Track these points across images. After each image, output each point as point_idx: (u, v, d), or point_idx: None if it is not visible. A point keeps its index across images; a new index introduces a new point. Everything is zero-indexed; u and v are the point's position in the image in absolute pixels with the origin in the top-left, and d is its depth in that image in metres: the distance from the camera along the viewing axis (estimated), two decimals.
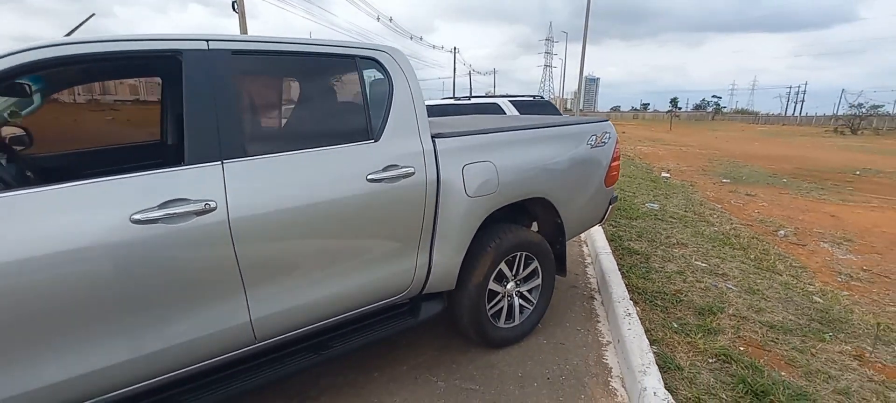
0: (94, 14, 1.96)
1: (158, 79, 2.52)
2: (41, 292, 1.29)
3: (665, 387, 1.97)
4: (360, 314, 2.04)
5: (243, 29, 16.50)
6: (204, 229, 1.50)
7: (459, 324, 2.43)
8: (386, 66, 2.01)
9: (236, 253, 1.58)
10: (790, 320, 2.86)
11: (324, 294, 1.83)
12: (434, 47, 53.83)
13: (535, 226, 2.94)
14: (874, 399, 2.09)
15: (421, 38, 48.26)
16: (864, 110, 36.63)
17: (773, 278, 3.62)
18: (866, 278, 3.82)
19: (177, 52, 1.56)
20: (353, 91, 1.99)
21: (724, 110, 73.02)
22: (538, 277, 2.65)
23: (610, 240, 4.30)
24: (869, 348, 2.53)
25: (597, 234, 4.35)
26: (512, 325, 2.60)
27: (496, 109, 6.88)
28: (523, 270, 2.58)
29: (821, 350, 2.50)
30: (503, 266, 2.45)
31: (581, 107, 33.18)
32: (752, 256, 4.15)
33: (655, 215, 5.62)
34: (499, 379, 2.31)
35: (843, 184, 8.94)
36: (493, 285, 2.43)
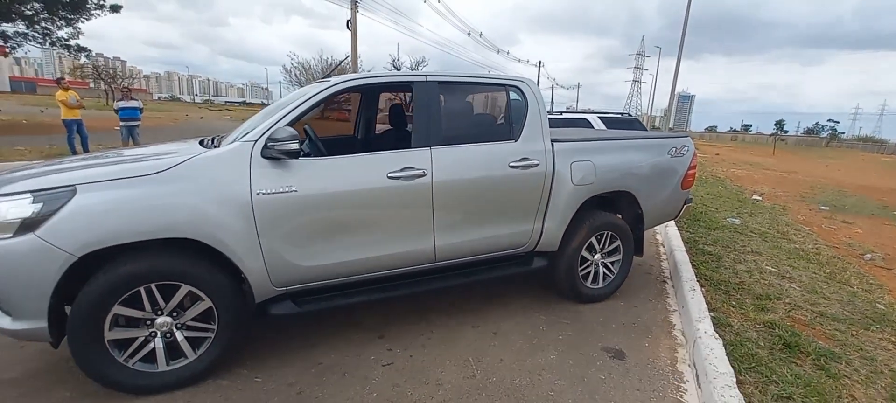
0: (348, 56, 3.20)
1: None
2: (345, 211, 2.43)
3: (715, 332, 2.70)
4: (494, 256, 3.03)
5: (354, 43, 18.66)
6: (420, 186, 2.58)
7: (557, 278, 3.32)
8: (524, 91, 3.00)
9: (433, 203, 2.64)
10: (843, 314, 3.35)
11: (477, 237, 2.85)
12: (520, 61, 54.72)
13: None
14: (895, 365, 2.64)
15: (508, 53, 49.31)
16: None
17: (842, 288, 4.01)
18: None
19: (411, 83, 2.68)
20: (503, 107, 3.01)
21: (842, 136, 64.81)
22: (619, 253, 3.46)
23: (685, 243, 4.89)
24: None
25: (674, 237, 4.97)
26: (596, 287, 3.43)
27: (585, 124, 7.64)
28: (609, 246, 3.41)
29: (862, 335, 3.02)
30: (593, 240, 3.31)
31: (671, 126, 31.87)
32: (827, 271, 4.48)
33: (735, 228, 6.00)
34: (585, 321, 3.17)
35: None
36: (584, 253, 3.30)
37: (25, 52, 18.73)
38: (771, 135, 54.27)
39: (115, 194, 1.98)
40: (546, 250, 3.19)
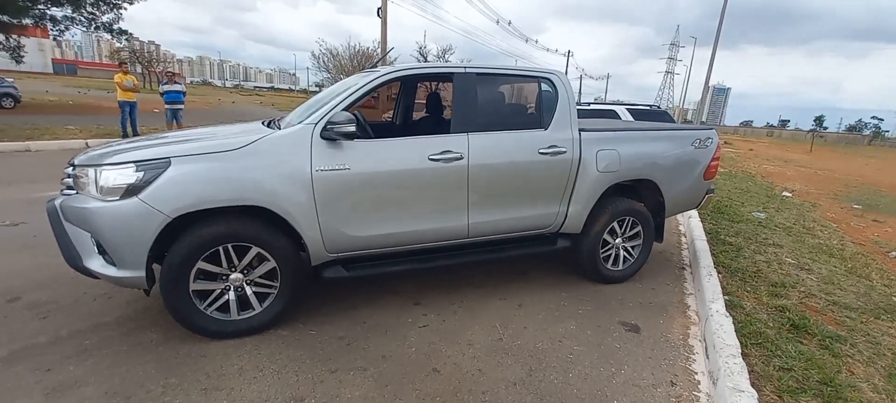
0: (393, 47, 3.49)
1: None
2: (390, 188, 2.73)
3: (726, 311, 2.91)
4: (523, 236, 3.30)
5: (384, 31, 18.93)
6: (458, 168, 2.86)
7: (580, 259, 3.56)
8: (554, 82, 3.23)
9: (468, 184, 2.92)
10: (857, 304, 3.48)
11: (507, 216, 3.12)
12: (548, 50, 54.01)
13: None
14: None
15: (536, 42, 48.75)
16: None
17: (861, 281, 4.10)
18: None
19: (451, 74, 2.95)
20: (534, 97, 3.24)
21: (887, 134, 61.51)
22: (640, 238, 3.67)
23: (707, 233, 5.03)
24: None
25: (696, 228, 5.11)
26: (616, 269, 3.66)
27: (612, 115, 7.75)
28: (630, 231, 3.62)
29: (871, 322, 3.16)
30: (615, 224, 3.53)
31: (703, 119, 31.10)
32: (848, 265, 4.55)
33: (759, 222, 6.07)
34: (604, 298, 3.41)
35: None
36: (606, 236, 3.52)
37: (72, 35, 19.77)
38: (809, 132, 52.22)
39: (203, 166, 2.33)
40: (570, 232, 3.43)
